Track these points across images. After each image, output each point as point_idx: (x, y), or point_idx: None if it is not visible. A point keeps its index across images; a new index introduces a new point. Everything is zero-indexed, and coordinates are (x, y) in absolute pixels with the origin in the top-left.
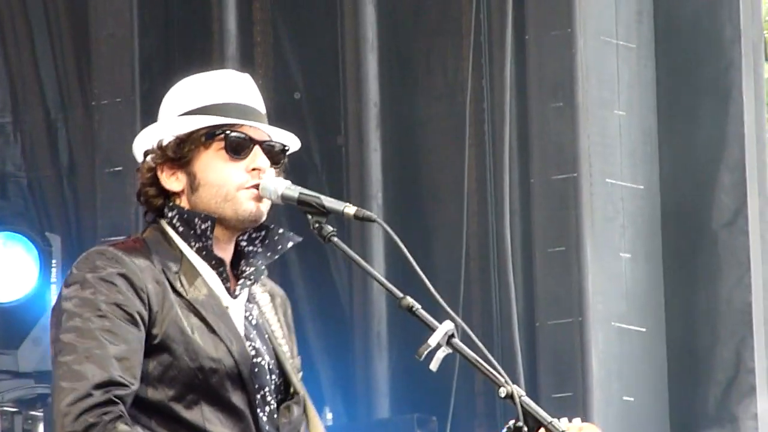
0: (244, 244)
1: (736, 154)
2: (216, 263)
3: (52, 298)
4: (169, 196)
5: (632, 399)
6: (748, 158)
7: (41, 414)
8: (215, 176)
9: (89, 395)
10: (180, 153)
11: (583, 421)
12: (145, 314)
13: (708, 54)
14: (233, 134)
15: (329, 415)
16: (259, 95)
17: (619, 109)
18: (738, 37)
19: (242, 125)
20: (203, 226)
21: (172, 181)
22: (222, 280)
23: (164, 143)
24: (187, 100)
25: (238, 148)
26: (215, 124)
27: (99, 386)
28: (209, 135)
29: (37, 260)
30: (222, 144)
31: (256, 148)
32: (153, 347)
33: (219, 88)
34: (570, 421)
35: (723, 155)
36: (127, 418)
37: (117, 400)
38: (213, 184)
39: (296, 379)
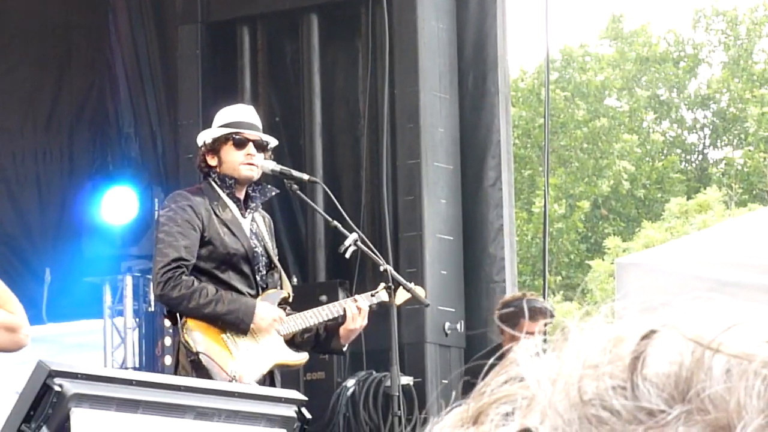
0: (251, 191)
1: (496, 150)
2: (235, 201)
3: (157, 216)
4: (211, 167)
5: (446, 272)
6: (502, 151)
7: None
8: (230, 158)
9: (168, 264)
10: (215, 146)
11: (420, 285)
12: (200, 226)
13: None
14: (238, 137)
15: (294, 280)
16: (257, 116)
17: (441, 128)
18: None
19: (244, 132)
20: (229, 182)
21: (211, 159)
22: (238, 209)
23: (208, 141)
24: (223, 119)
25: (240, 144)
26: (231, 132)
27: (174, 260)
28: (227, 137)
29: (139, 198)
30: (232, 142)
31: (250, 144)
32: (204, 242)
33: (239, 114)
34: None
35: (489, 152)
36: (188, 274)
37: (183, 266)
38: (229, 161)
39: (275, 260)
